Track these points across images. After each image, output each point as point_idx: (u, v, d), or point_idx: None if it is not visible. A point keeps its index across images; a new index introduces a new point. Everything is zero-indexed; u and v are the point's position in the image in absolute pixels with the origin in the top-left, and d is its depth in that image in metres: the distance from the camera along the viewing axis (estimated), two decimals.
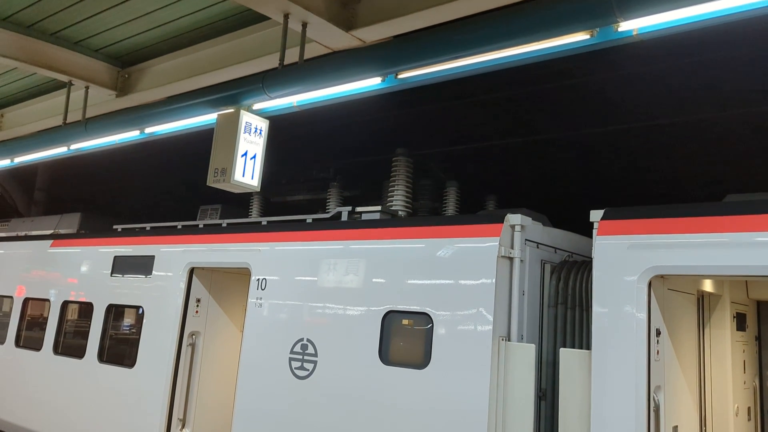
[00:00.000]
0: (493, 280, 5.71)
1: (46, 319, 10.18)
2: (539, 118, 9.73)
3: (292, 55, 6.41)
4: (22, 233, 12.37)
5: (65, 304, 10.00)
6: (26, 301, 10.83)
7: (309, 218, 7.74)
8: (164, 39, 7.88)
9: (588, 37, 4.76)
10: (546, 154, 10.69)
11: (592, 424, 5.03)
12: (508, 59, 5.23)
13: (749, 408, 6.72)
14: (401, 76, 5.87)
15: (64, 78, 8.36)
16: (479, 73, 5.56)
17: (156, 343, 8.38)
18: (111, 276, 9.38)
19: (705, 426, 6.15)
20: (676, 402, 5.45)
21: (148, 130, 8.23)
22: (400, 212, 7.70)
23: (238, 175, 6.44)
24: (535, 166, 11.14)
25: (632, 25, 4.60)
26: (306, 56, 6.32)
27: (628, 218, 5.26)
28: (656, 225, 5.09)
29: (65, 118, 9.07)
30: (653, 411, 4.96)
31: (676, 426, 5.37)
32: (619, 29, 4.64)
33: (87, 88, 8.66)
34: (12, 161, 10.60)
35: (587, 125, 9.35)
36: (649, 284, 5.04)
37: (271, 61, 6.93)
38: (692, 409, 5.84)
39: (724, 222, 4.83)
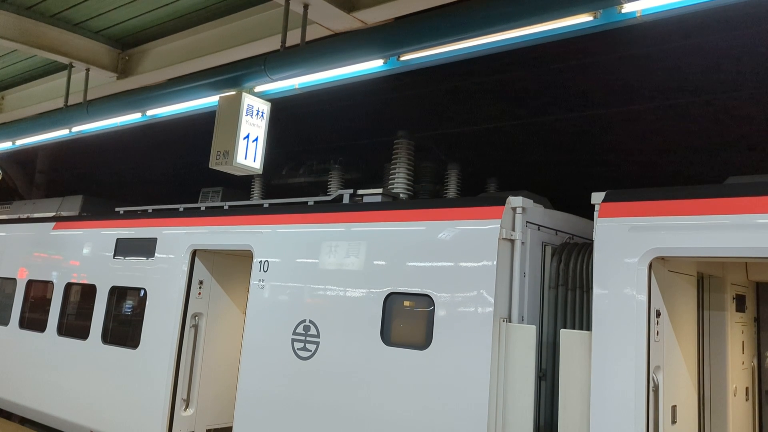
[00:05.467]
0: (495, 262, 5.75)
1: (50, 301, 10.24)
2: (541, 100, 9.70)
3: (293, 37, 6.39)
4: (24, 216, 12.41)
5: (68, 286, 10.06)
6: (29, 283, 10.89)
7: (310, 201, 7.77)
8: (165, 21, 7.84)
9: (591, 18, 4.75)
10: (548, 137, 10.68)
11: (591, 404, 5.09)
12: (511, 41, 5.22)
13: (747, 388, 6.79)
14: (403, 58, 5.85)
15: (64, 60, 8.33)
16: (481, 55, 5.55)
17: (159, 325, 8.44)
18: (113, 258, 9.43)
19: (703, 406, 6.23)
20: (675, 382, 5.51)
21: (150, 112, 8.22)
22: (401, 195, 7.72)
23: (240, 158, 6.45)
24: (537, 148, 11.13)
25: (636, 7, 4.59)
26: (307, 38, 6.30)
27: (629, 200, 5.28)
28: (657, 207, 5.11)
29: (66, 101, 9.06)
30: (652, 391, 5.02)
31: (675, 405, 5.43)
32: (623, 10, 4.62)
33: (88, 70, 8.63)
34: (13, 144, 10.59)
35: (590, 107, 9.33)
36: (650, 266, 5.07)
37: (272, 43, 6.91)
38: (691, 389, 5.91)
39: (724, 204, 4.85)
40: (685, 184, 5.27)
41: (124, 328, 9.02)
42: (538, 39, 5.15)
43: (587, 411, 5.15)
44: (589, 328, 5.45)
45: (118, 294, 9.28)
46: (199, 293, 8.52)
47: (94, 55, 8.50)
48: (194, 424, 8.43)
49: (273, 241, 7.51)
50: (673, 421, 5.38)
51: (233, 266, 9.00)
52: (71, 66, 8.65)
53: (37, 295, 10.74)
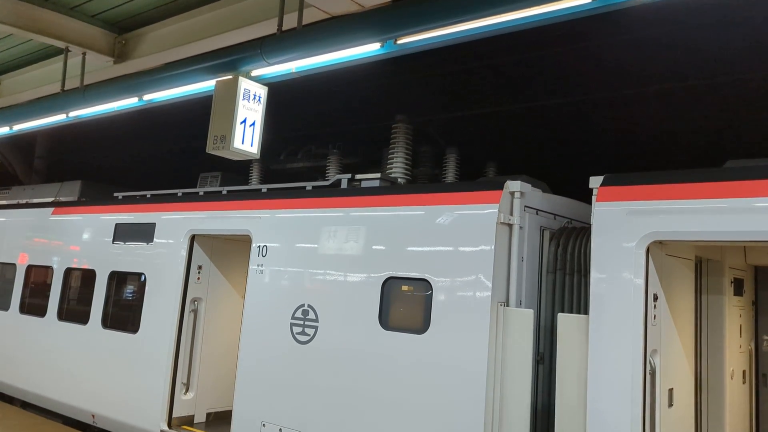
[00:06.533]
0: (492, 247, 5.75)
1: (50, 286, 10.27)
2: (540, 83, 9.65)
3: (290, 21, 6.34)
4: (23, 201, 12.40)
5: (68, 271, 10.08)
6: (29, 268, 10.91)
7: (309, 185, 7.75)
8: (161, 4, 7.78)
9: (590, 0, 4.70)
10: (547, 120, 10.63)
11: (588, 388, 5.12)
12: (509, 24, 5.17)
13: (744, 371, 6.82)
14: (400, 41, 5.80)
15: (60, 44, 8.27)
16: (479, 39, 5.50)
17: (159, 310, 8.47)
18: (113, 243, 9.43)
19: (700, 389, 6.25)
20: (672, 365, 5.53)
21: (147, 97, 8.17)
22: (399, 179, 7.70)
23: (237, 143, 6.43)
24: (535, 132, 11.09)
25: None
26: (304, 21, 6.25)
27: (628, 184, 5.27)
28: (655, 191, 5.10)
29: (63, 85, 9.01)
30: (649, 374, 5.03)
31: (672, 389, 5.45)
32: None
33: (84, 54, 8.57)
34: (11, 129, 10.55)
35: (588, 91, 9.28)
36: (648, 250, 5.06)
37: (269, 27, 6.85)
38: (688, 373, 5.93)
39: (723, 188, 4.83)
40: (684, 168, 5.24)
41: (124, 313, 9.04)
42: (537, 21, 5.10)
43: (584, 394, 5.18)
44: (586, 312, 5.46)
45: (117, 279, 9.30)
46: (198, 278, 8.53)
47: (90, 39, 8.44)
48: (194, 408, 8.48)
49: (271, 226, 7.50)
50: (670, 404, 5.40)
51: (232, 251, 9.00)
52: (67, 50, 8.59)
53: (37, 280, 10.76)
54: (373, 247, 6.56)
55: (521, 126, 10.96)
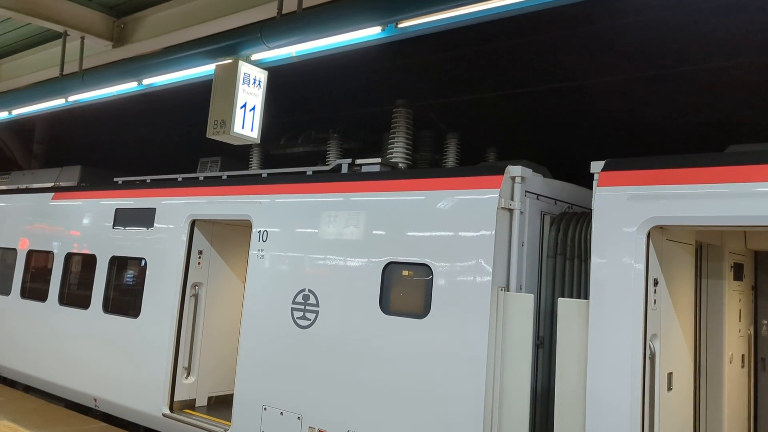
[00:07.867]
0: (493, 232, 5.75)
1: (50, 271, 10.29)
2: (541, 68, 9.60)
3: (290, 4, 6.30)
4: (23, 186, 12.39)
5: (69, 256, 10.10)
6: (30, 253, 10.92)
7: (309, 170, 7.74)
8: None
9: None
10: (547, 105, 10.59)
11: (588, 372, 5.14)
12: (511, 7, 5.13)
13: (743, 355, 6.85)
14: (402, 25, 5.76)
15: (59, 28, 8.22)
16: (481, 22, 5.47)
17: (160, 294, 8.49)
18: (113, 228, 9.44)
19: (699, 373, 6.29)
20: (672, 349, 5.55)
21: (146, 81, 8.13)
22: (400, 164, 7.69)
23: (237, 127, 6.41)
24: (536, 117, 11.06)
25: None
26: (305, 5, 6.21)
27: (629, 169, 5.26)
28: (656, 176, 5.09)
29: (62, 70, 8.97)
30: (649, 358, 5.06)
31: (671, 373, 5.48)
32: None
33: (83, 38, 8.53)
34: (10, 113, 10.51)
35: (589, 75, 9.24)
36: (648, 235, 5.07)
37: (269, 10, 6.81)
38: (687, 357, 5.96)
39: (724, 172, 4.83)
40: (685, 153, 5.23)
41: (125, 298, 9.07)
42: (539, 5, 5.06)
43: (584, 378, 5.20)
44: (586, 296, 5.48)
45: (118, 264, 9.31)
46: (199, 263, 8.55)
47: (88, 23, 8.39)
48: (195, 392, 8.53)
49: (272, 211, 7.50)
50: (669, 388, 5.43)
51: (232, 236, 9.01)
52: (66, 34, 8.54)
53: (38, 265, 10.78)
54: (374, 232, 6.56)
55: (522, 111, 10.92)
